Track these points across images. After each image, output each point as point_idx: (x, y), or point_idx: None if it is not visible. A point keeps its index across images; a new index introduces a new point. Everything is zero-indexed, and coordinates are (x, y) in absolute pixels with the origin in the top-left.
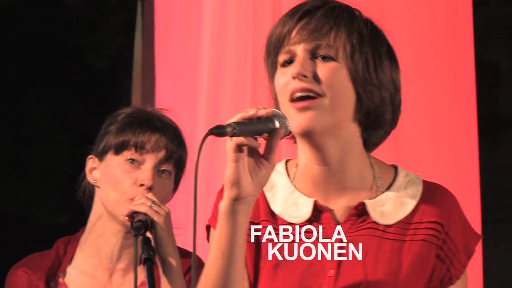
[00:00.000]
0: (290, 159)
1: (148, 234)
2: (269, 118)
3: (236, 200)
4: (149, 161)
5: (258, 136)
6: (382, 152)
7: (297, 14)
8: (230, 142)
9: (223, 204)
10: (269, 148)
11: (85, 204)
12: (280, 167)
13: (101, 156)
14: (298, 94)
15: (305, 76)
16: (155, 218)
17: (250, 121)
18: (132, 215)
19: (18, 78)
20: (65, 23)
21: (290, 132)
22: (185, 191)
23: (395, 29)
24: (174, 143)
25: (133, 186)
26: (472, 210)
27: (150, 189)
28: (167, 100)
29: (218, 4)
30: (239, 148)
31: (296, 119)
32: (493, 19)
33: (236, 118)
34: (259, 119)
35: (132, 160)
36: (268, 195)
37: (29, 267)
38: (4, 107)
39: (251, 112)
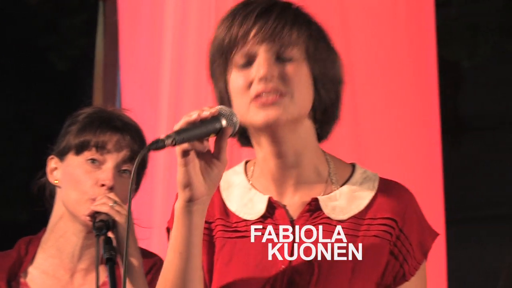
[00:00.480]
0: (249, 160)
1: (110, 234)
2: (215, 118)
3: (190, 201)
4: (110, 161)
5: (206, 137)
6: (346, 151)
7: (252, 15)
8: (177, 149)
9: (178, 206)
10: (218, 148)
11: (46, 203)
12: (238, 167)
13: (61, 156)
14: (264, 94)
15: (272, 77)
16: (117, 218)
17: (194, 125)
18: (94, 215)
19: None
20: (27, 24)
21: (236, 133)
22: (148, 192)
23: (358, 29)
24: (136, 143)
25: (94, 186)
26: (435, 210)
27: (111, 189)
28: (132, 99)
29: (180, 5)
30: (185, 153)
31: (260, 113)
32: (455, 19)
33: (179, 124)
34: (204, 121)
35: (93, 160)
36: (224, 194)
37: None
38: None
39: (194, 116)
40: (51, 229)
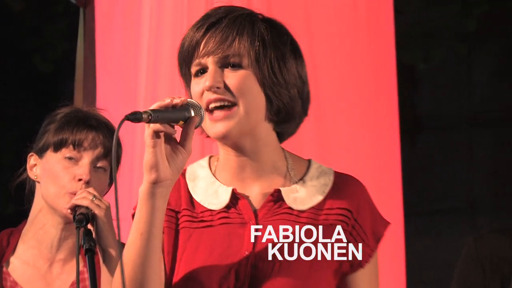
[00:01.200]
0: (213, 155)
1: (89, 226)
2: (185, 107)
3: (154, 184)
4: (86, 157)
5: (175, 123)
6: (309, 150)
7: (202, 28)
8: (147, 129)
9: (142, 188)
10: (185, 135)
11: (25, 199)
12: (203, 161)
13: (41, 153)
14: (213, 105)
15: (218, 88)
16: (96, 211)
17: (167, 109)
18: (74, 208)
19: None
20: (12, 28)
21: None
22: (123, 186)
23: (322, 35)
24: (109, 141)
25: (72, 181)
26: (394, 204)
27: (87, 183)
28: (108, 100)
29: (155, 11)
30: (156, 134)
31: (213, 127)
32: (412, 25)
33: (153, 106)
34: (175, 107)
35: (70, 157)
36: (190, 185)
37: None
38: None
39: (167, 100)
40: (31, 221)
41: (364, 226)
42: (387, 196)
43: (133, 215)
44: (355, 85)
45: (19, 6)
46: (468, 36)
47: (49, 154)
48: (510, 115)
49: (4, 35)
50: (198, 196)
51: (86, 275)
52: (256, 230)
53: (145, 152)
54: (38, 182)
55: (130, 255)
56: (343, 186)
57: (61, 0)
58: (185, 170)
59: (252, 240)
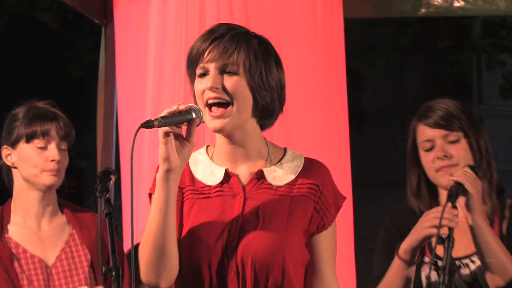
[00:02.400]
0: (209, 145)
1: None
2: (188, 111)
3: (167, 172)
4: (53, 143)
5: (181, 124)
6: (278, 138)
7: (208, 40)
8: (160, 131)
9: (159, 175)
10: (189, 133)
11: (4, 180)
12: (201, 149)
13: (13, 145)
14: (211, 101)
15: (216, 88)
16: None
17: (173, 114)
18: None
19: (12, 84)
20: (49, 42)
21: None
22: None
23: (288, 47)
24: (67, 127)
25: (46, 162)
26: (344, 178)
27: (58, 162)
28: (125, 99)
29: (160, 30)
30: (166, 134)
31: (211, 122)
32: (358, 40)
33: (163, 113)
34: (180, 112)
35: (41, 146)
36: (192, 168)
37: None
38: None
39: (174, 108)
40: (15, 197)
41: (328, 198)
42: (339, 172)
43: (149, 195)
44: (314, 86)
45: (54, 25)
46: (402, 49)
47: (22, 145)
48: None
49: (42, 48)
50: (199, 175)
51: (77, 236)
52: (244, 200)
53: (159, 148)
54: (15, 167)
55: (151, 227)
56: (311, 168)
57: (87, 21)
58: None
59: (241, 207)
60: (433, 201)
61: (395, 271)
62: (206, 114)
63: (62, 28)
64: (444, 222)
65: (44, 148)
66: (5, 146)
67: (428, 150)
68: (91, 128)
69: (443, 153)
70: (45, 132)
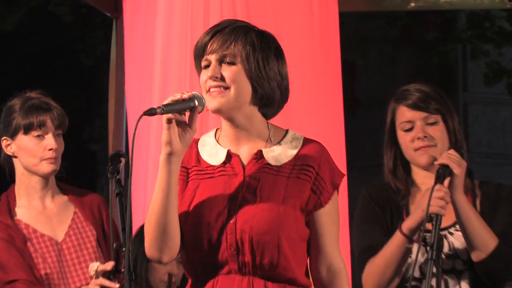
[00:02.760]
0: (219, 128)
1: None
2: (190, 99)
3: (169, 155)
4: (50, 132)
5: (183, 111)
6: (278, 123)
7: (210, 33)
8: (163, 117)
9: (162, 157)
10: (191, 119)
11: (4, 166)
12: (211, 132)
13: (12, 136)
14: (212, 89)
15: (216, 77)
16: None
17: (177, 102)
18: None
19: (29, 73)
20: (64, 34)
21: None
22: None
23: (289, 40)
24: (61, 116)
25: (44, 151)
26: (340, 160)
27: (56, 150)
28: (133, 87)
29: (166, 23)
30: (169, 120)
31: (209, 102)
32: (352, 32)
33: (167, 100)
34: (183, 100)
35: (38, 135)
36: (200, 149)
37: None
38: None
39: (177, 96)
40: (18, 184)
41: (324, 178)
42: (335, 154)
43: None
44: (312, 75)
45: (69, 18)
46: (392, 41)
47: (21, 136)
48: None
49: (57, 39)
50: (205, 156)
51: (80, 214)
52: (244, 179)
53: (163, 133)
54: (15, 156)
55: (154, 206)
56: (309, 148)
57: (99, 14)
58: (198, 139)
59: (241, 186)
60: (408, 178)
61: (397, 246)
62: (207, 98)
63: (76, 21)
64: (443, 203)
65: (41, 138)
66: (4, 137)
67: (408, 130)
68: (103, 114)
69: (423, 134)
70: (41, 123)
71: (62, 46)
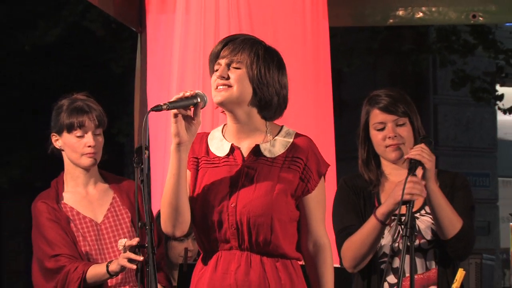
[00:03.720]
0: (225, 124)
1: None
2: (193, 96)
3: (178, 145)
4: (89, 131)
5: (188, 107)
6: (276, 121)
7: (223, 42)
8: (171, 113)
9: (172, 147)
10: (195, 113)
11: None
12: (219, 127)
13: (59, 133)
14: (219, 87)
15: (223, 77)
16: None
17: (181, 99)
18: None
19: (67, 80)
20: (97, 46)
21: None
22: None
23: (284, 49)
24: (100, 117)
25: (84, 148)
26: (330, 153)
27: (94, 146)
28: (153, 89)
29: (183, 38)
30: (175, 115)
31: (215, 96)
32: (340, 43)
33: (172, 98)
34: (186, 97)
35: (79, 135)
36: (209, 142)
37: (44, 198)
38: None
39: (181, 94)
40: (66, 171)
41: (311, 168)
42: (326, 147)
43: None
44: (305, 80)
45: (101, 32)
46: (374, 51)
47: (65, 134)
48: None
49: (91, 50)
50: (213, 148)
51: (118, 199)
52: (243, 169)
53: (171, 126)
54: (63, 150)
55: (167, 188)
56: (299, 142)
57: (126, 29)
58: (208, 133)
59: (241, 175)
60: (378, 170)
61: (371, 228)
62: (213, 92)
63: (107, 35)
64: (417, 191)
65: (81, 137)
66: (53, 133)
67: (380, 130)
68: (129, 112)
69: (393, 134)
70: (81, 124)
71: (95, 56)
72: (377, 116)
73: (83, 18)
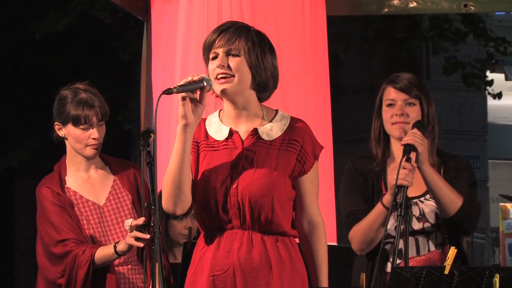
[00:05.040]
0: (221, 109)
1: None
2: (200, 80)
3: (185, 126)
4: (94, 124)
5: (195, 90)
6: (277, 107)
7: (217, 31)
8: (179, 95)
9: (178, 128)
10: (201, 96)
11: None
12: (215, 113)
13: (64, 123)
14: (219, 76)
15: (223, 66)
16: None
17: (189, 83)
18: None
19: (76, 67)
20: (104, 34)
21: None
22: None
23: (286, 37)
24: (103, 109)
25: (88, 139)
26: (327, 136)
27: (98, 138)
28: (158, 75)
29: (186, 26)
30: (183, 98)
31: (217, 87)
32: (336, 31)
33: (181, 82)
34: (194, 81)
35: (84, 128)
36: (207, 127)
37: (48, 183)
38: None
39: (189, 78)
40: (68, 157)
41: (307, 150)
42: (323, 130)
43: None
44: (304, 67)
45: (108, 21)
46: (369, 38)
47: (70, 126)
48: None
49: (99, 38)
50: (211, 132)
51: (119, 181)
52: (242, 151)
53: (179, 108)
54: (66, 139)
55: (171, 166)
56: (295, 125)
57: (133, 17)
58: (205, 119)
59: (240, 158)
60: (386, 147)
61: (378, 214)
62: (215, 84)
63: (114, 23)
64: (410, 179)
65: (86, 129)
66: (57, 123)
67: (389, 106)
68: (136, 98)
69: (400, 112)
70: (87, 118)
71: (103, 43)
72: (390, 93)
73: (91, 7)
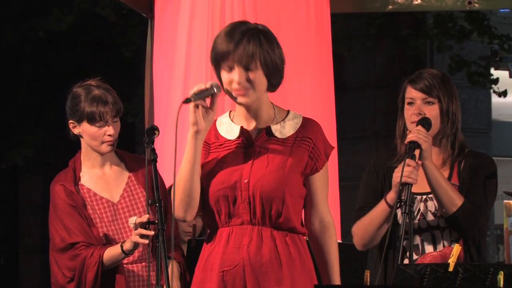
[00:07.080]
0: (231, 110)
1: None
2: (211, 87)
3: (196, 132)
4: (109, 121)
5: (206, 97)
6: (281, 104)
7: (231, 42)
8: (191, 104)
9: (189, 135)
10: (212, 103)
11: (72, 138)
12: (226, 113)
13: (78, 122)
14: (238, 90)
15: (239, 83)
16: None
17: (202, 91)
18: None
19: (80, 64)
20: (109, 32)
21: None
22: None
23: (289, 35)
24: (118, 105)
25: (104, 136)
26: (331, 133)
27: (113, 134)
28: (158, 72)
29: (188, 24)
30: (196, 106)
31: (237, 99)
32: (340, 29)
33: (194, 89)
34: (206, 89)
35: (100, 126)
36: (218, 128)
37: (62, 180)
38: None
39: (202, 86)
40: (83, 153)
41: (319, 149)
42: (328, 127)
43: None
44: (309, 65)
45: (112, 18)
46: (372, 36)
47: (85, 124)
48: (396, 81)
49: (103, 35)
50: (222, 132)
51: (133, 178)
52: (255, 149)
53: (190, 115)
54: (81, 136)
55: (182, 174)
56: (307, 125)
57: (137, 15)
58: (216, 120)
59: (253, 155)
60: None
61: (380, 211)
62: (232, 94)
63: (118, 21)
64: (414, 176)
65: (102, 127)
66: (71, 121)
67: (410, 104)
68: (139, 94)
69: (418, 111)
70: (102, 115)
71: (107, 41)
72: (410, 92)
73: (95, 5)
